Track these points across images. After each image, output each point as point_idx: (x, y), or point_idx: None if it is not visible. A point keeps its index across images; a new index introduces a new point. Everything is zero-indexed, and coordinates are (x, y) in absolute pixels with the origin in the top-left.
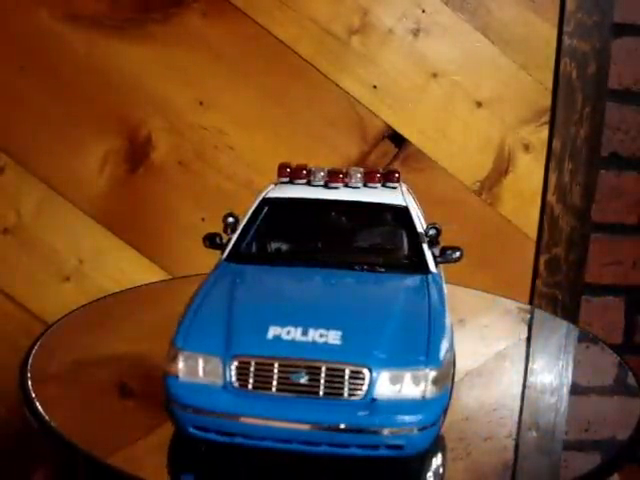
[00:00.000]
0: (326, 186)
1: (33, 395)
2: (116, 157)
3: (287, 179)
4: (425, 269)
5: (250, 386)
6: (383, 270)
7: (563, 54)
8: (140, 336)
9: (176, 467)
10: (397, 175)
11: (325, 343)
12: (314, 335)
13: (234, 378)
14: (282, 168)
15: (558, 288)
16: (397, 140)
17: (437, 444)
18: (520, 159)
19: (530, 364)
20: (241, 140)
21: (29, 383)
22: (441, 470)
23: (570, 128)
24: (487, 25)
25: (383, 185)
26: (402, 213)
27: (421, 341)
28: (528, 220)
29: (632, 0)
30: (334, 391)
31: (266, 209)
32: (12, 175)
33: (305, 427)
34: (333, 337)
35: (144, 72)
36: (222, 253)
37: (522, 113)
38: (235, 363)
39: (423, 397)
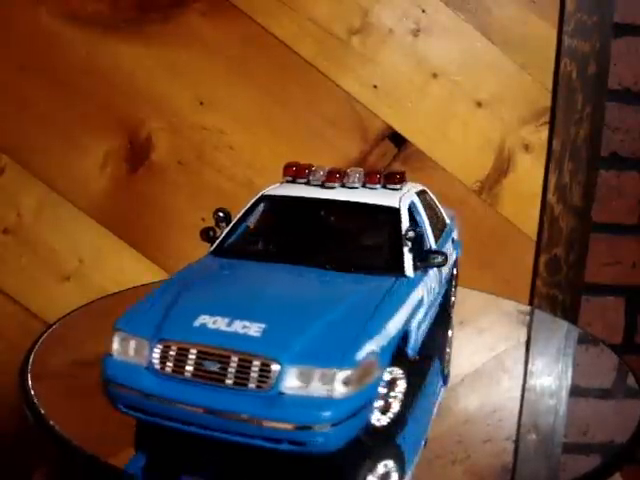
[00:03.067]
0: (323, 186)
1: (33, 395)
2: (116, 157)
3: (291, 178)
4: (400, 271)
5: (168, 369)
6: (353, 270)
7: (563, 54)
8: None
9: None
10: (398, 176)
11: (244, 334)
12: (237, 326)
13: (156, 360)
14: (287, 167)
15: (558, 288)
16: (397, 140)
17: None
18: (520, 159)
19: (530, 366)
20: (241, 140)
21: (29, 383)
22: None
23: (570, 128)
24: (487, 25)
25: (384, 186)
26: (392, 215)
27: (344, 341)
28: (528, 220)
29: (632, 0)
30: (242, 381)
31: (261, 206)
32: (12, 175)
33: (207, 413)
34: (255, 329)
35: (144, 72)
36: (210, 246)
37: (522, 113)
38: (159, 346)
39: (330, 396)
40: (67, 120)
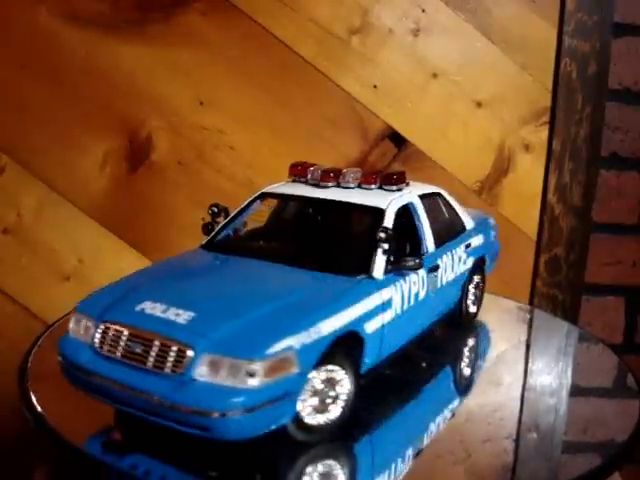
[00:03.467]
0: (318, 185)
1: (32, 395)
2: (116, 157)
3: (295, 177)
4: (366, 272)
5: (105, 348)
6: (318, 268)
7: (563, 54)
8: None
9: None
10: (395, 177)
11: (172, 321)
12: (170, 313)
13: (97, 340)
14: (292, 167)
15: (558, 288)
16: (397, 140)
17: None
18: (520, 159)
19: (530, 365)
20: (241, 140)
21: (29, 383)
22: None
23: (570, 128)
24: (487, 25)
25: (381, 187)
26: (376, 215)
27: (261, 335)
28: (528, 220)
29: (632, 0)
30: (160, 364)
31: (257, 202)
32: (12, 175)
33: (130, 392)
34: (184, 317)
35: (144, 72)
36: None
37: (522, 113)
38: (102, 327)
39: (235, 386)
40: (67, 120)
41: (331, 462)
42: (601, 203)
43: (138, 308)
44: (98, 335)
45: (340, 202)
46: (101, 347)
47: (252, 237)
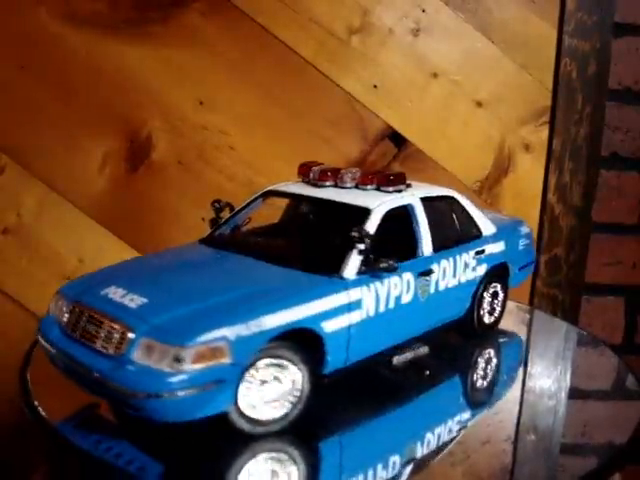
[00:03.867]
0: (317, 184)
1: (32, 395)
2: (116, 157)
3: (302, 176)
4: (336, 272)
5: (69, 327)
6: (289, 265)
7: (563, 54)
8: None
9: None
10: (392, 177)
11: (125, 305)
12: (127, 298)
13: (65, 318)
14: (300, 166)
15: (558, 288)
16: (397, 140)
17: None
18: (520, 159)
19: (529, 366)
20: (241, 140)
21: (29, 383)
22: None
23: (570, 128)
24: (487, 25)
25: (378, 188)
26: (362, 216)
27: (198, 324)
28: (528, 220)
29: (632, 0)
30: (106, 344)
31: (259, 200)
32: (12, 175)
33: (80, 369)
34: (137, 302)
35: (144, 72)
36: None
37: (522, 113)
38: (70, 307)
39: (162, 369)
40: (67, 120)
41: (281, 457)
42: (601, 203)
43: (103, 292)
44: (66, 315)
45: (329, 201)
46: (67, 326)
47: (246, 233)
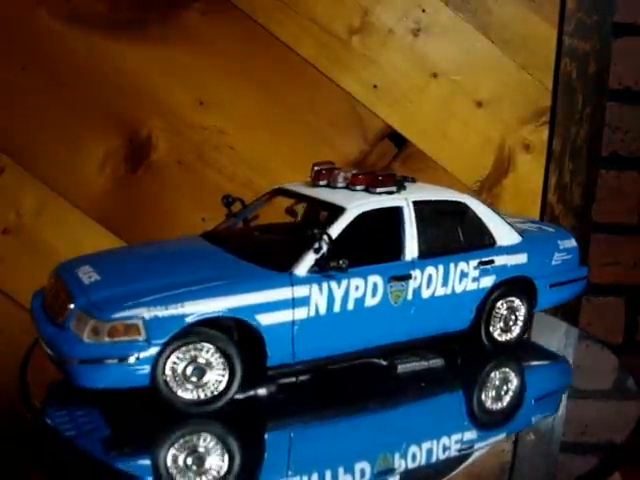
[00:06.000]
0: (313, 184)
1: (32, 394)
2: (116, 157)
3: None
4: (288, 268)
5: (46, 298)
6: (248, 259)
7: (563, 54)
8: None
9: None
10: (380, 179)
11: (81, 281)
12: (87, 275)
13: (46, 293)
14: (313, 165)
15: None
16: (397, 140)
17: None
18: (520, 159)
19: (529, 366)
20: (241, 140)
21: (29, 382)
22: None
23: (570, 128)
24: (487, 25)
25: (367, 189)
26: (337, 214)
27: (122, 303)
28: None
29: (632, 0)
30: (57, 313)
31: (266, 197)
32: (12, 175)
33: (40, 336)
34: (91, 279)
35: (144, 72)
36: None
37: (522, 113)
38: (52, 280)
39: (81, 339)
40: (67, 120)
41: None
42: (601, 203)
43: (76, 269)
44: (47, 290)
45: (313, 199)
46: (45, 297)
47: (238, 229)
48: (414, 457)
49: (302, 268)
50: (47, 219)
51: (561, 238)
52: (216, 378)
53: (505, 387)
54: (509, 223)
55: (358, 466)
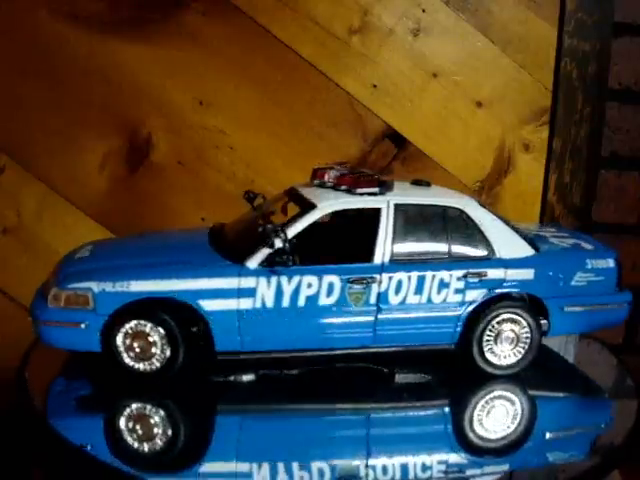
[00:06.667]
0: (310, 183)
1: (32, 394)
2: (116, 157)
3: None
4: (242, 261)
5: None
6: (219, 252)
7: (563, 54)
8: None
9: None
10: (360, 179)
11: (74, 259)
12: (81, 254)
13: None
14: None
15: None
16: (397, 140)
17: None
18: (520, 159)
19: (529, 366)
20: (241, 140)
21: (28, 382)
22: None
23: (570, 128)
24: (487, 25)
25: (349, 190)
26: (306, 210)
27: (81, 276)
28: (528, 220)
29: (632, 0)
30: (47, 288)
31: (281, 195)
32: (12, 175)
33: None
34: (81, 257)
35: (144, 72)
36: None
37: (522, 113)
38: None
39: (46, 304)
40: (67, 120)
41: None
42: (601, 203)
43: (79, 249)
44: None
45: (298, 195)
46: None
47: (238, 223)
48: (370, 466)
49: (254, 261)
50: (47, 219)
51: (594, 257)
52: (160, 354)
53: (490, 414)
54: (522, 234)
55: (313, 465)
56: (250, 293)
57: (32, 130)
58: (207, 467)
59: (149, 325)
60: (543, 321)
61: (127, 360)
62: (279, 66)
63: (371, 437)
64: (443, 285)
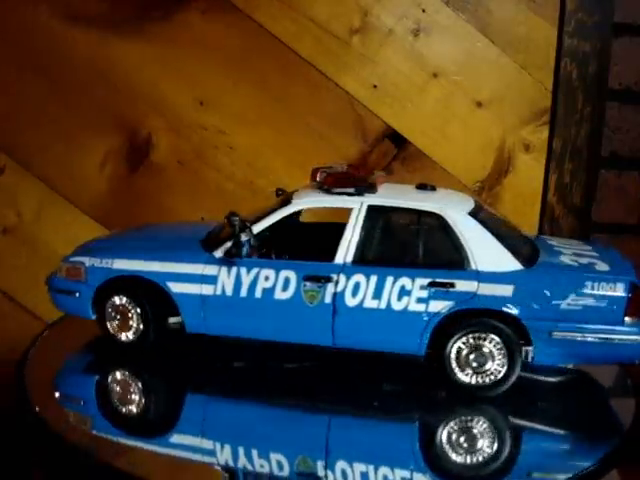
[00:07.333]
0: (310, 183)
1: (31, 394)
2: (116, 157)
3: None
4: (211, 250)
5: None
6: (203, 243)
7: (563, 54)
8: None
9: None
10: (337, 179)
11: (94, 240)
12: (100, 238)
13: None
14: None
15: None
16: (397, 140)
17: None
18: (520, 159)
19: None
20: (241, 140)
21: (27, 382)
22: None
23: (570, 128)
24: (487, 25)
25: (328, 190)
26: (282, 205)
27: (79, 252)
28: (528, 220)
29: (632, 0)
30: None
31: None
32: (12, 175)
33: None
34: (97, 240)
35: (144, 71)
36: None
37: (522, 113)
38: None
39: (57, 275)
40: (67, 120)
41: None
42: (601, 203)
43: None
44: None
45: (285, 192)
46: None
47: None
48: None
49: (219, 251)
50: (47, 219)
51: (598, 280)
52: (135, 327)
53: (464, 436)
54: (513, 246)
55: (273, 457)
56: (212, 280)
57: (32, 130)
58: (176, 438)
59: (126, 300)
60: (529, 347)
61: (110, 329)
62: (279, 66)
63: (333, 439)
64: (404, 292)
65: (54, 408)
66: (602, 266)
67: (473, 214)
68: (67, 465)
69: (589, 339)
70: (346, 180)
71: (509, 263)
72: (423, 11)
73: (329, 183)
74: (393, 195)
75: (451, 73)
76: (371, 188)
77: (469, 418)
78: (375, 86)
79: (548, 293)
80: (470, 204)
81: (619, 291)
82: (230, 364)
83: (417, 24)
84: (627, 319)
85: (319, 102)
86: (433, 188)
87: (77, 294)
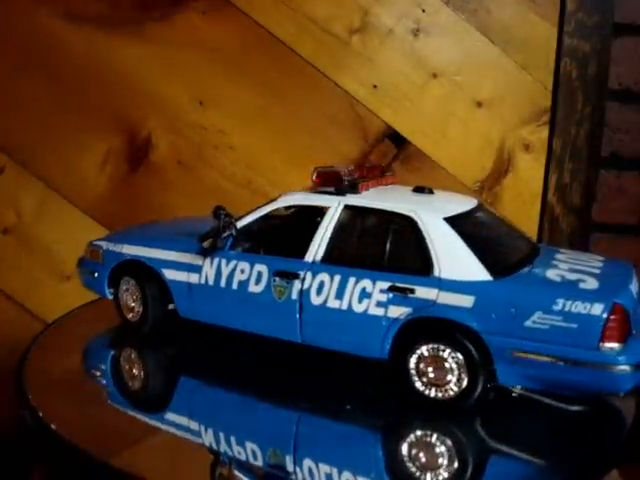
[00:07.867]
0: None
1: (30, 394)
2: (116, 157)
3: None
4: (201, 243)
5: None
6: (200, 240)
7: (563, 54)
8: None
9: None
10: (319, 179)
11: (109, 236)
12: (132, 227)
13: None
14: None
15: None
16: (397, 140)
17: None
18: (520, 159)
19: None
20: (241, 140)
21: (27, 382)
22: None
23: (570, 128)
24: (487, 25)
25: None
26: (270, 202)
27: (103, 238)
28: (528, 220)
29: (632, 0)
30: None
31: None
32: (12, 175)
33: None
34: (129, 228)
35: (144, 71)
36: None
37: (522, 113)
38: None
39: (84, 256)
40: (67, 120)
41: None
42: (601, 203)
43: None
44: None
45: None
46: None
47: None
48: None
49: (206, 243)
50: (47, 219)
51: (572, 298)
52: (137, 308)
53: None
54: (485, 256)
55: (247, 444)
56: (197, 270)
57: (32, 130)
58: (169, 416)
59: (132, 282)
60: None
61: (120, 309)
62: (279, 66)
63: (302, 437)
64: (364, 294)
65: (54, 408)
66: (590, 284)
67: (457, 219)
68: (67, 465)
69: (559, 363)
70: (330, 179)
71: (476, 272)
72: (423, 11)
73: (316, 182)
74: (374, 196)
75: (451, 73)
76: (353, 188)
77: (438, 431)
78: (375, 86)
79: (512, 308)
80: (458, 208)
81: (595, 311)
82: (223, 352)
83: (417, 24)
84: (605, 344)
85: (319, 102)
86: (430, 191)
87: (96, 274)
